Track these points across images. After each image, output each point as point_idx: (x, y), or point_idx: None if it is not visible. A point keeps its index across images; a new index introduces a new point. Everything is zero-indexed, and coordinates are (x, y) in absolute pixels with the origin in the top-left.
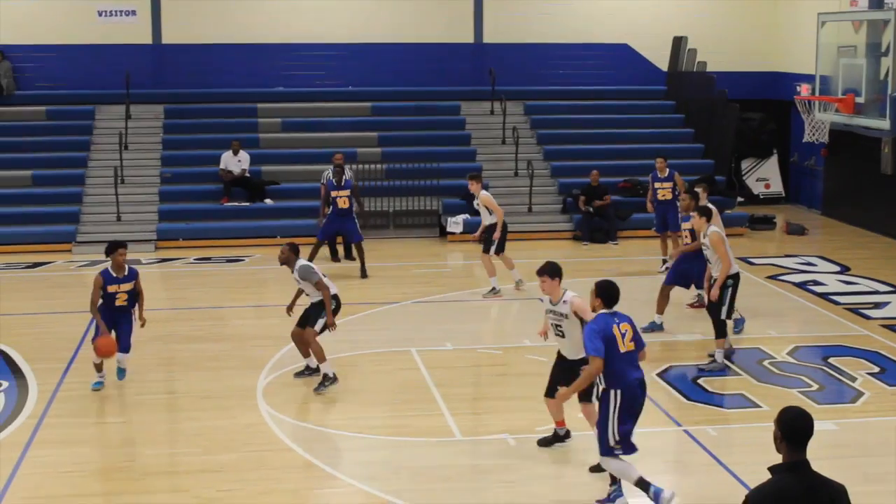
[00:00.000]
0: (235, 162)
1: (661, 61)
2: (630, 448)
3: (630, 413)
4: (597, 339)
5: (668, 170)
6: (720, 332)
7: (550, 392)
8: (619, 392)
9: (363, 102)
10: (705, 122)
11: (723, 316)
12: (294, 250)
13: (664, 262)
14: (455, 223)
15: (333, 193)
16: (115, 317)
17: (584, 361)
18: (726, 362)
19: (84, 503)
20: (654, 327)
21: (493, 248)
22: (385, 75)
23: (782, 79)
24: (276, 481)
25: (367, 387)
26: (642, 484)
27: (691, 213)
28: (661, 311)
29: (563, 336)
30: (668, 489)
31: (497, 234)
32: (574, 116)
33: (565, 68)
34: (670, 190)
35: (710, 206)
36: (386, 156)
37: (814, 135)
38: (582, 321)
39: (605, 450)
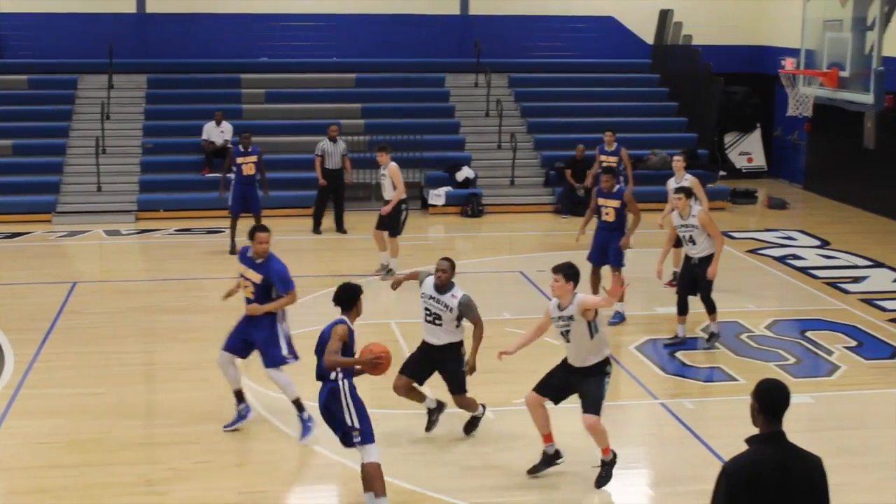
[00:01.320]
0: (218, 133)
1: (647, 34)
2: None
3: None
4: None
5: (615, 144)
6: (713, 307)
7: (544, 390)
8: None
9: (347, 74)
10: (690, 95)
11: (711, 292)
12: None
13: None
14: (437, 195)
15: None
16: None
17: (591, 370)
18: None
19: (58, 474)
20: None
21: (398, 229)
22: (369, 47)
23: (767, 52)
24: (255, 453)
25: None
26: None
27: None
28: (596, 291)
29: (569, 342)
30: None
31: (386, 210)
32: (558, 89)
33: (550, 41)
34: (615, 164)
35: (686, 181)
36: (369, 127)
37: (797, 109)
38: (590, 324)
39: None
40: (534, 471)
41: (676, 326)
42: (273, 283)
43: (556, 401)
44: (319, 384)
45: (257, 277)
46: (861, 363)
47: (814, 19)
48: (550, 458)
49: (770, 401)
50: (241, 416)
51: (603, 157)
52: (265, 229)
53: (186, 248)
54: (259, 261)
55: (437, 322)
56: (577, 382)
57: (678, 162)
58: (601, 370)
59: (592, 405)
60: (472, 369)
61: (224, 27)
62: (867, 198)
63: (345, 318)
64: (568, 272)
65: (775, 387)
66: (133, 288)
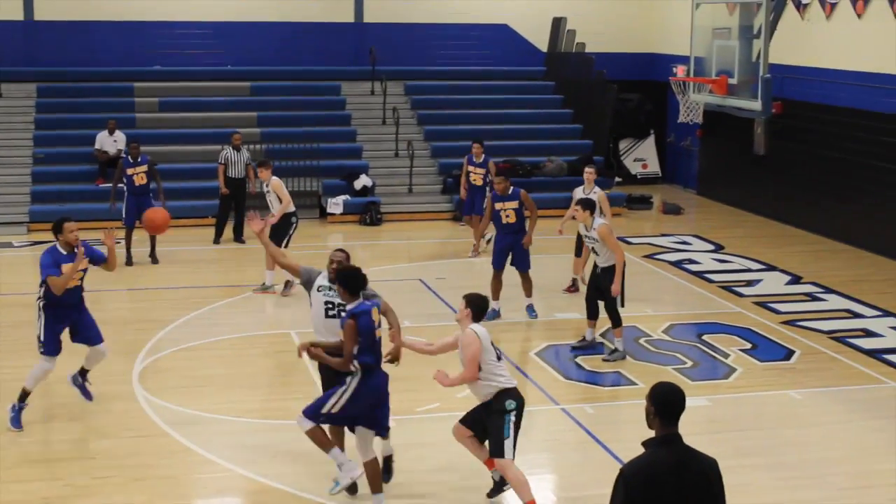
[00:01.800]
0: (111, 142)
1: (541, 42)
2: None
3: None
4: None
5: (483, 156)
6: (618, 321)
7: (468, 422)
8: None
9: (242, 82)
10: (584, 102)
11: (619, 306)
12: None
13: (475, 246)
14: (335, 204)
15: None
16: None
17: (492, 405)
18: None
19: None
20: (494, 315)
21: (284, 242)
22: (265, 54)
23: (659, 60)
24: (153, 467)
25: (245, 370)
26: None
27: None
28: (496, 297)
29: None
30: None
31: (271, 220)
32: (454, 97)
33: (446, 48)
34: (482, 176)
35: (594, 194)
36: (265, 136)
37: (688, 115)
38: None
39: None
40: (491, 494)
41: (584, 331)
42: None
43: (480, 436)
44: None
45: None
46: (756, 365)
47: (703, 27)
48: (499, 484)
49: (665, 404)
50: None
51: (471, 168)
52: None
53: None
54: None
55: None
56: (486, 418)
57: (589, 174)
58: (502, 406)
59: (494, 446)
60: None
61: (116, 34)
62: (759, 202)
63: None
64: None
65: (670, 390)
66: (27, 301)
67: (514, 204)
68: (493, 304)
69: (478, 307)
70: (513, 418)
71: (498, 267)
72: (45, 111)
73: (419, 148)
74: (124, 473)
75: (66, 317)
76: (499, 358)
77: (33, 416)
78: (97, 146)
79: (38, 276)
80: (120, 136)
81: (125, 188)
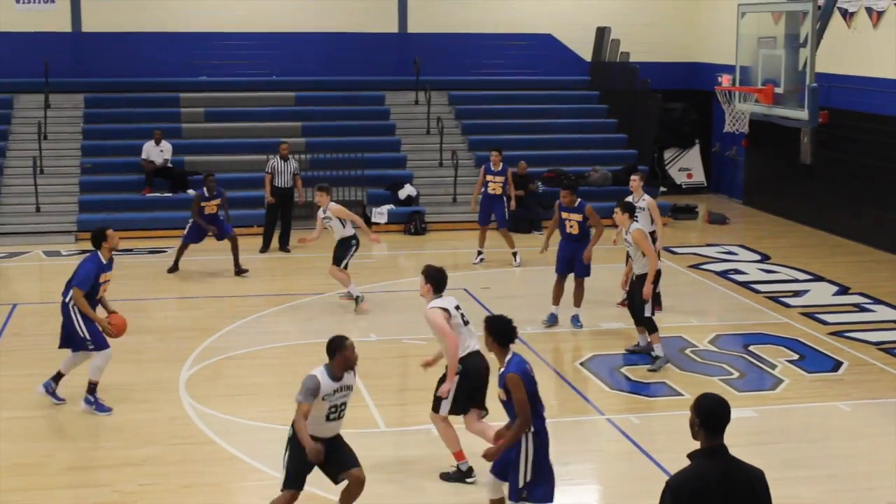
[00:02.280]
0: (157, 152)
1: (585, 52)
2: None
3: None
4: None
5: (502, 164)
6: (652, 327)
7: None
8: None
9: (287, 92)
10: (628, 112)
11: (647, 313)
12: None
13: (479, 253)
14: (380, 213)
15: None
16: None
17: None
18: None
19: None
20: (553, 319)
21: (344, 263)
22: (309, 65)
23: (704, 69)
24: (199, 475)
25: (291, 379)
26: None
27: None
28: (556, 302)
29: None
30: None
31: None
32: (498, 107)
33: (490, 58)
34: (501, 185)
35: (643, 201)
36: (310, 146)
37: (734, 125)
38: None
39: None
40: (445, 477)
41: (634, 339)
42: None
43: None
44: None
45: None
46: (803, 376)
47: (748, 36)
48: (462, 474)
49: (710, 416)
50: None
51: (489, 178)
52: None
53: (128, 269)
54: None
55: None
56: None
57: (635, 181)
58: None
59: (434, 401)
60: None
61: (162, 46)
62: (805, 212)
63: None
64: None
65: (715, 402)
66: None
67: (579, 217)
68: (553, 309)
69: (436, 280)
70: (457, 380)
71: (561, 273)
72: (93, 121)
73: (463, 157)
74: (171, 481)
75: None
76: (466, 323)
77: (80, 424)
78: (144, 156)
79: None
80: (166, 146)
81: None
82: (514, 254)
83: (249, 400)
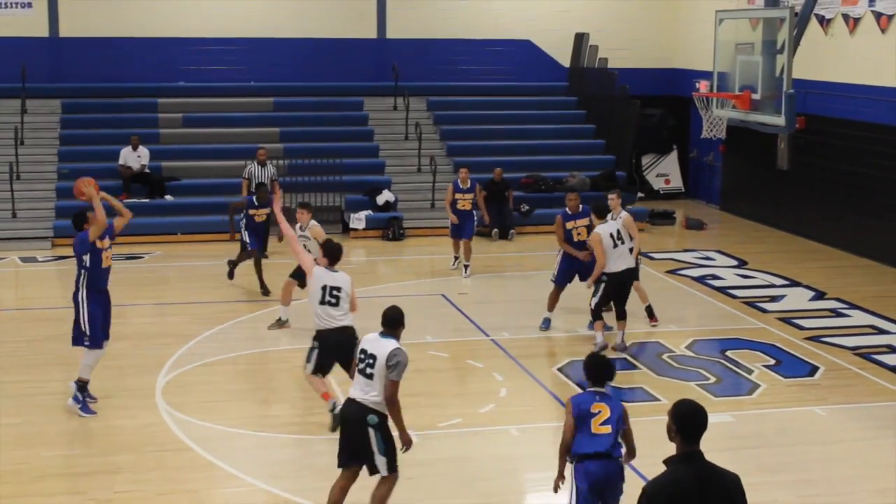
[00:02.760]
0: (135, 157)
1: (564, 57)
2: None
3: None
4: None
5: (470, 181)
6: (597, 315)
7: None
8: None
9: (265, 98)
10: (607, 117)
11: (591, 305)
12: None
13: (455, 258)
14: (358, 219)
15: None
16: None
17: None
18: (627, 356)
19: None
20: (548, 325)
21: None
22: (287, 70)
23: (682, 75)
24: (176, 482)
25: (269, 384)
26: None
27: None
28: (551, 308)
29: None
30: None
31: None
32: (477, 112)
33: (468, 64)
34: (470, 201)
35: (620, 218)
36: (288, 151)
37: (711, 131)
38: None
39: None
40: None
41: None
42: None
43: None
44: None
45: None
46: (780, 381)
47: (726, 42)
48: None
49: (687, 422)
50: None
51: (458, 196)
52: None
53: None
54: None
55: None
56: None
57: (613, 200)
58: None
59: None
60: None
61: (140, 51)
62: (782, 218)
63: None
64: (326, 251)
65: (693, 408)
66: (51, 315)
67: (585, 221)
68: (547, 314)
69: (330, 254)
70: (315, 353)
71: (560, 284)
72: (70, 127)
73: (442, 163)
74: (147, 488)
75: (104, 303)
76: (328, 304)
77: (56, 431)
78: (121, 162)
79: (63, 289)
80: (143, 151)
81: (243, 222)
82: (466, 266)
83: (226, 406)
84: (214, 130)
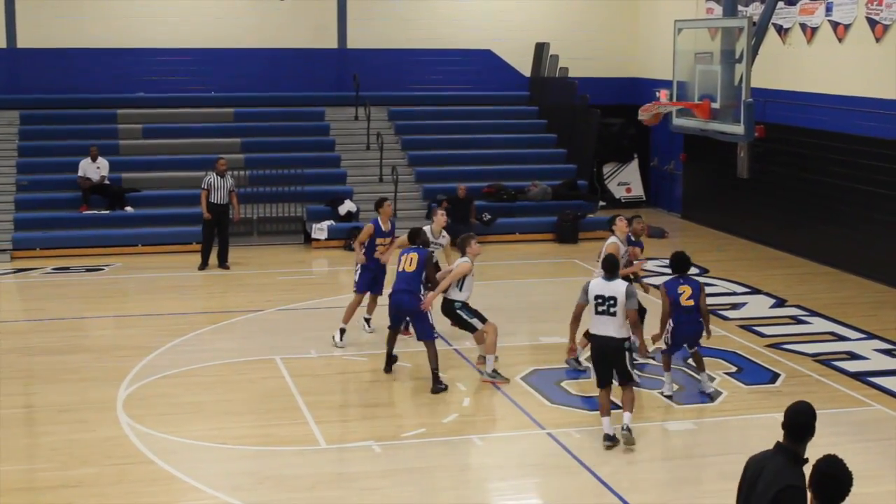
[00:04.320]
0: (94, 169)
1: (524, 67)
2: None
3: None
4: None
5: (390, 223)
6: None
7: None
8: None
9: (226, 108)
10: (567, 127)
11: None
12: None
13: (367, 320)
14: (320, 229)
15: None
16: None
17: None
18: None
19: None
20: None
21: None
22: (248, 81)
23: (642, 84)
24: (137, 495)
25: (231, 396)
26: None
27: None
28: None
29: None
30: None
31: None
32: (438, 122)
33: (429, 74)
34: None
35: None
36: (249, 162)
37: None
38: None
39: None
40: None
41: (564, 356)
42: None
43: None
44: None
45: None
46: (742, 388)
47: (685, 52)
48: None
49: (791, 423)
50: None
51: (379, 240)
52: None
53: (64, 287)
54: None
55: None
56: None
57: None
58: None
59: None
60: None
61: (99, 62)
62: (743, 225)
63: None
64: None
65: (797, 410)
66: (9, 329)
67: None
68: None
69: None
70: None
71: None
72: (29, 138)
73: (403, 173)
74: (108, 501)
75: None
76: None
77: (15, 445)
78: (80, 173)
79: (23, 302)
80: (103, 162)
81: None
82: (368, 319)
83: (188, 418)
84: (174, 141)
